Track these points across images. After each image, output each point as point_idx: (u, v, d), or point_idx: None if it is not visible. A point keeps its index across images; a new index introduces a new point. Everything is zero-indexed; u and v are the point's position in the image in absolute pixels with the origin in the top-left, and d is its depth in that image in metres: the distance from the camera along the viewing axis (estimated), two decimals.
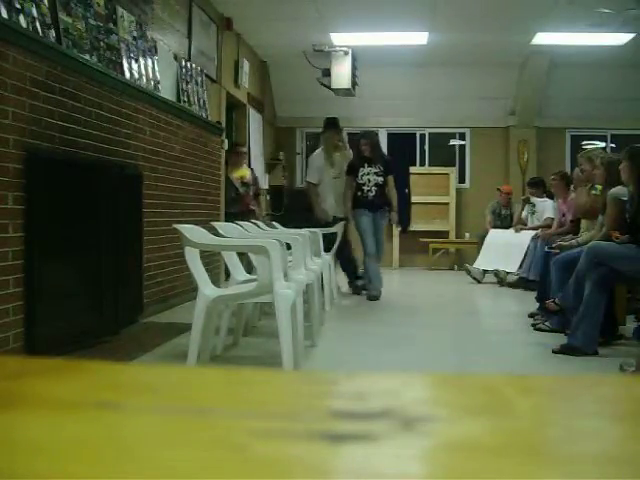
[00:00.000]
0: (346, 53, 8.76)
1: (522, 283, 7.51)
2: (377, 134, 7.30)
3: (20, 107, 3.58)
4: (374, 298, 6.48)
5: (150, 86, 5.49)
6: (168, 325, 4.89)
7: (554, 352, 4.08)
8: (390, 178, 6.82)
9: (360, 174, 6.70)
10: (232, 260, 4.19)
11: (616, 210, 4.52)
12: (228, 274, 4.49)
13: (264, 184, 9.31)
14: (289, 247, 4.07)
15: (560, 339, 4.25)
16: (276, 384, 0.47)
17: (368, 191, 6.67)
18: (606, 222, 4.65)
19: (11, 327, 3.54)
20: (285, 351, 3.23)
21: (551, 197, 7.88)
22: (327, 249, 6.08)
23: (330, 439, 0.34)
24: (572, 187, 6.46)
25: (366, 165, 6.72)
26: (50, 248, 3.81)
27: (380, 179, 6.69)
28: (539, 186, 8.14)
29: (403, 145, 11.15)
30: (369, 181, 6.68)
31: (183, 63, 6.46)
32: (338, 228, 6.65)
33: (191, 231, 3.52)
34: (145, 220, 5.21)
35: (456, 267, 10.32)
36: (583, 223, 5.52)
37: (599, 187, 5.15)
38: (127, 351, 4.00)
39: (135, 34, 5.28)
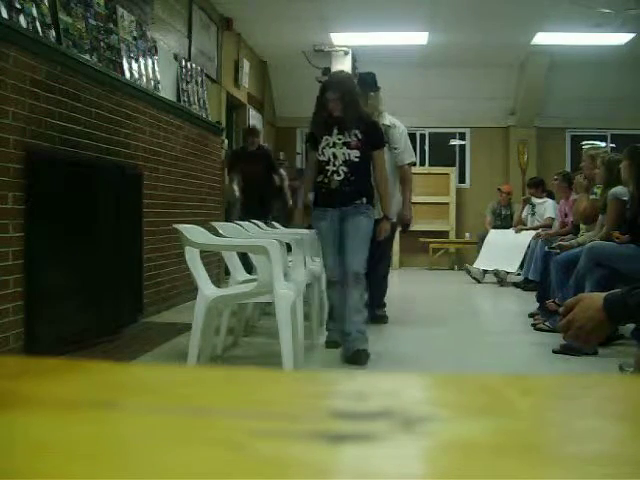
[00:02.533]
0: (346, 53, 8.77)
1: (522, 283, 7.52)
2: (352, 79, 4.36)
3: (20, 107, 3.58)
4: (352, 360, 3.79)
5: (150, 86, 5.49)
6: (168, 325, 4.89)
7: (554, 352, 4.08)
8: (378, 154, 4.05)
9: (321, 146, 3.96)
10: (232, 260, 4.19)
11: (616, 210, 4.53)
12: (228, 273, 4.49)
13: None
14: (290, 247, 4.07)
15: (560, 339, 4.24)
16: (276, 384, 0.47)
17: (333, 173, 3.93)
18: (606, 222, 4.66)
19: (11, 327, 3.54)
20: (285, 351, 3.23)
21: (551, 197, 7.89)
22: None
23: (330, 439, 0.34)
24: (574, 186, 6.47)
25: (335, 131, 3.94)
26: (50, 248, 3.81)
27: (355, 154, 3.92)
28: (538, 186, 8.15)
29: None
30: (334, 157, 3.93)
31: (183, 63, 6.46)
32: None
33: (191, 231, 3.51)
34: (145, 220, 5.21)
35: (456, 267, 10.32)
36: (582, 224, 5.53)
37: (598, 191, 5.16)
38: (127, 351, 4.00)
39: (135, 34, 5.28)
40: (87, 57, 4.38)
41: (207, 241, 3.57)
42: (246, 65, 8.95)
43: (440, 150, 11.27)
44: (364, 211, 3.98)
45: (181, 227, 3.52)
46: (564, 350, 4.04)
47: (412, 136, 11.07)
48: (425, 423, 0.37)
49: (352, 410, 0.38)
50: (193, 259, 3.45)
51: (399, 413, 0.38)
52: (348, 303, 3.85)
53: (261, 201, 7.01)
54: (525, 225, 8.12)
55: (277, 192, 7.42)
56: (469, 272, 8.43)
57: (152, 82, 5.56)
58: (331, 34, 8.50)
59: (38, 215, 3.68)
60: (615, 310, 1.49)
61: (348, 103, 3.93)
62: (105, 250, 4.41)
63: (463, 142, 11.18)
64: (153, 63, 5.62)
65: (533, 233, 7.42)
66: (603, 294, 1.54)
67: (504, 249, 7.92)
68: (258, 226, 5.32)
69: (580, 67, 9.81)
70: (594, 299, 1.53)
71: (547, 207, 7.86)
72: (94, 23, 4.61)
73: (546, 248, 5.60)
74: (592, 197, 5.28)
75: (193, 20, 6.83)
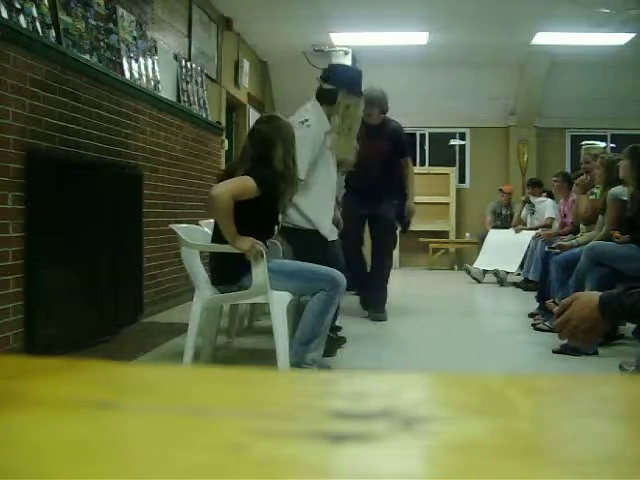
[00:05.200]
0: (346, 53, 8.76)
1: (522, 283, 7.52)
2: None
3: (20, 107, 3.58)
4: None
5: (150, 86, 5.49)
6: (168, 325, 4.89)
7: (554, 352, 4.08)
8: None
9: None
10: None
11: (616, 210, 4.53)
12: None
13: None
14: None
15: (560, 339, 4.24)
16: (276, 384, 0.47)
17: None
18: (606, 222, 4.66)
19: (11, 327, 3.53)
20: (281, 352, 3.22)
21: (550, 197, 7.89)
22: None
23: (330, 439, 0.34)
24: (573, 187, 6.47)
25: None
26: (50, 248, 3.81)
27: None
28: (536, 186, 8.16)
29: None
30: None
31: (183, 63, 6.46)
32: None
33: (187, 231, 3.50)
34: (145, 220, 5.21)
35: (456, 267, 10.31)
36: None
37: (597, 192, 5.16)
38: (127, 351, 4.00)
39: (135, 34, 5.28)
40: (87, 57, 4.38)
41: (202, 242, 3.55)
42: (246, 65, 8.95)
43: (440, 150, 11.26)
44: None
45: (177, 227, 3.50)
46: (564, 350, 4.04)
47: (412, 136, 11.10)
48: (425, 423, 0.37)
49: (351, 410, 0.38)
50: (190, 259, 3.44)
51: (399, 413, 0.38)
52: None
53: None
54: (525, 225, 8.13)
55: None
56: (469, 272, 8.42)
57: (152, 82, 5.56)
58: (331, 34, 8.49)
59: (38, 215, 3.68)
60: (610, 309, 1.49)
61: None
62: (105, 250, 4.41)
63: (463, 142, 11.18)
64: (153, 63, 5.62)
65: (533, 233, 7.43)
66: (599, 293, 1.54)
67: (504, 249, 7.92)
68: None
69: (580, 67, 9.80)
70: (590, 298, 1.53)
71: (547, 207, 7.87)
72: (94, 23, 4.61)
73: (546, 248, 5.60)
74: (592, 197, 5.28)
75: (193, 20, 6.82)
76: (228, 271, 3.34)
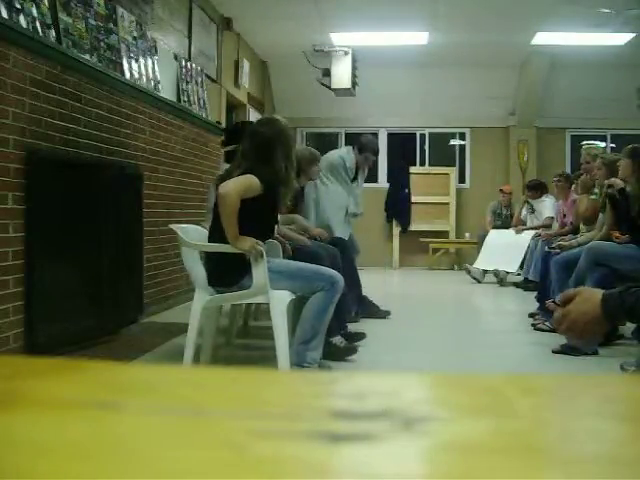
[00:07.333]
0: (346, 53, 8.75)
1: (522, 283, 7.52)
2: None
3: (20, 107, 3.58)
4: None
5: (150, 86, 5.49)
6: (168, 325, 4.88)
7: (554, 352, 4.08)
8: None
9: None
10: None
11: (616, 210, 4.53)
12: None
13: None
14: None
15: (560, 339, 4.24)
16: (276, 384, 0.47)
17: None
18: (606, 222, 4.66)
19: (11, 327, 3.53)
20: (281, 352, 3.22)
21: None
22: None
23: (330, 439, 0.34)
24: (573, 187, 6.47)
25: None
26: (50, 248, 3.81)
27: None
28: (537, 189, 8.13)
29: (403, 145, 11.17)
30: None
31: (183, 63, 6.46)
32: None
33: (188, 231, 3.50)
34: (145, 220, 5.21)
35: (456, 267, 10.32)
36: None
37: (598, 191, 5.16)
38: (127, 351, 4.00)
39: (135, 34, 5.28)
40: (87, 57, 4.38)
41: (202, 242, 3.54)
42: (246, 65, 8.95)
43: (440, 150, 11.26)
44: None
45: (177, 227, 3.50)
46: (564, 350, 4.04)
47: (412, 136, 11.11)
48: (425, 423, 0.37)
49: (352, 410, 0.38)
50: (190, 259, 3.44)
51: (399, 413, 0.38)
52: None
53: None
54: (524, 224, 8.13)
55: None
56: (469, 272, 8.42)
57: (152, 82, 5.56)
58: (331, 34, 8.49)
59: (38, 215, 3.68)
60: (611, 308, 1.49)
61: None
62: (105, 250, 4.41)
63: (463, 142, 11.17)
64: (153, 63, 5.62)
65: (533, 233, 7.43)
66: (602, 290, 1.53)
67: (504, 249, 7.92)
68: None
69: (580, 67, 9.80)
70: (593, 294, 1.52)
71: (546, 205, 7.86)
72: (94, 23, 4.61)
73: (546, 248, 5.60)
74: (592, 197, 5.28)
75: (193, 20, 6.82)
76: (227, 274, 3.35)
